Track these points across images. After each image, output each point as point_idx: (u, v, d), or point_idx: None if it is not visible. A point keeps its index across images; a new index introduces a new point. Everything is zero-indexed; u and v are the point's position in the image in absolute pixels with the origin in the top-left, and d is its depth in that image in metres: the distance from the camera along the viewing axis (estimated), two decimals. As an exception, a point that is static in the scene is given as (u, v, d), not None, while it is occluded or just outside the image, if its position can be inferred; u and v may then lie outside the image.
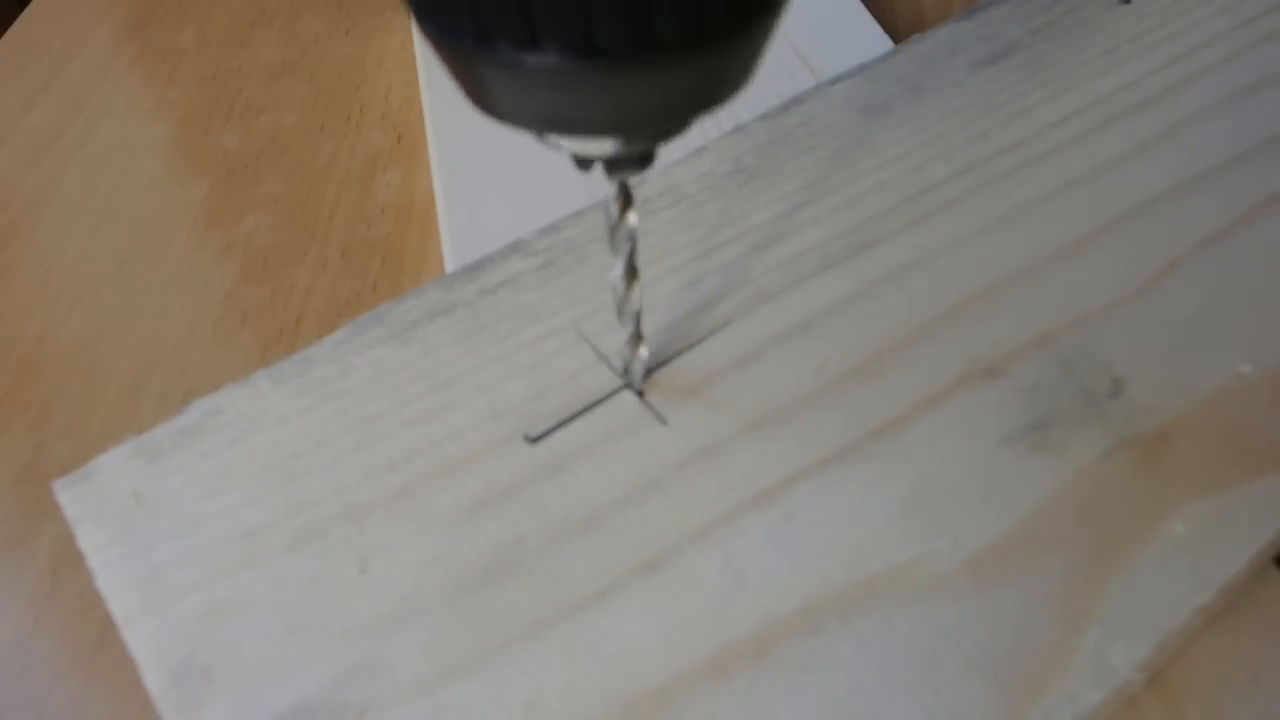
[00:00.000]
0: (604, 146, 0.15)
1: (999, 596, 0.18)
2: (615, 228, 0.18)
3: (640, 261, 0.23)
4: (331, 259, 0.32)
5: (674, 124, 0.15)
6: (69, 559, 0.25)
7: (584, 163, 0.16)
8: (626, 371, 0.21)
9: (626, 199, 0.18)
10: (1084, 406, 0.20)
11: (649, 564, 0.18)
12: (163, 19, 0.45)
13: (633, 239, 0.18)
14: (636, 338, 0.20)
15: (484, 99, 0.14)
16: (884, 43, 0.34)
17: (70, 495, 0.19)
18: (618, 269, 0.19)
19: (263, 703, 0.17)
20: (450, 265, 0.29)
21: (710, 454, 0.20)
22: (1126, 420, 0.20)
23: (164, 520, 0.19)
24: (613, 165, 0.16)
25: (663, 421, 0.20)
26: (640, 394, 0.21)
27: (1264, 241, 0.23)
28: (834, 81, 0.28)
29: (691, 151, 0.26)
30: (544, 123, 0.15)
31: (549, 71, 0.13)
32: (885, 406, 0.21)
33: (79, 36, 0.44)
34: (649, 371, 0.21)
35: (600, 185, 0.18)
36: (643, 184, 0.26)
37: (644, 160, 0.16)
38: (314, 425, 0.20)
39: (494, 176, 0.31)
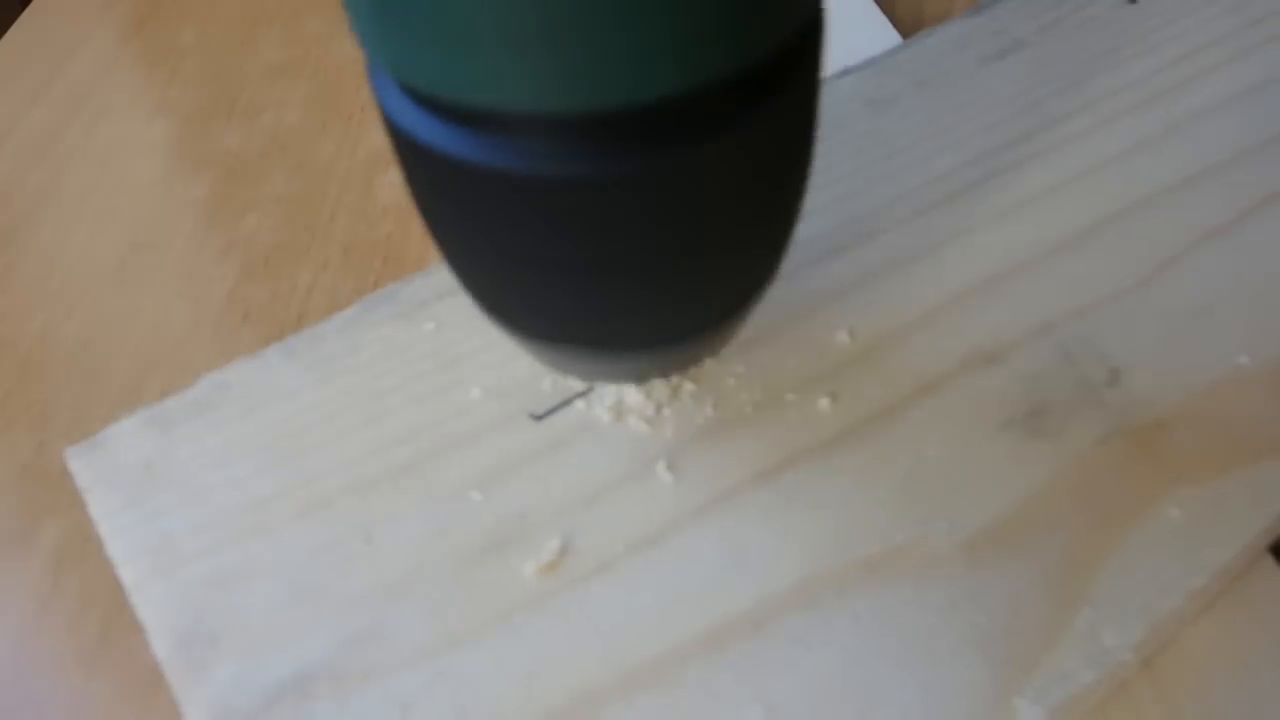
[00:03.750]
0: None
1: (994, 577, 0.19)
2: None
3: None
4: (333, 258, 0.33)
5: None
6: (70, 557, 0.26)
7: None
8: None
9: None
10: (1082, 395, 0.22)
11: (649, 539, 0.20)
12: (163, 19, 0.47)
13: None
14: None
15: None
16: (891, 38, 0.35)
17: (82, 463, 0.21)
18: None
19: (268, 667, 0.18)
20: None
21: (711, 434, 0.21)
22: (1124, 409, 0.22)
23: (174, 489, 0.21)
24: None
25: (665, 402, 0.22)
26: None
27: (1264, 238, 0.25)
28: (841, 75, 0.30)
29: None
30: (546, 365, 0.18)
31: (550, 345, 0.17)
32: (885, 391, 0.22)
33: (79, 36, 0.46)
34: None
35: None
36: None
37: None
38: (323, 400, 0.22)
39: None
